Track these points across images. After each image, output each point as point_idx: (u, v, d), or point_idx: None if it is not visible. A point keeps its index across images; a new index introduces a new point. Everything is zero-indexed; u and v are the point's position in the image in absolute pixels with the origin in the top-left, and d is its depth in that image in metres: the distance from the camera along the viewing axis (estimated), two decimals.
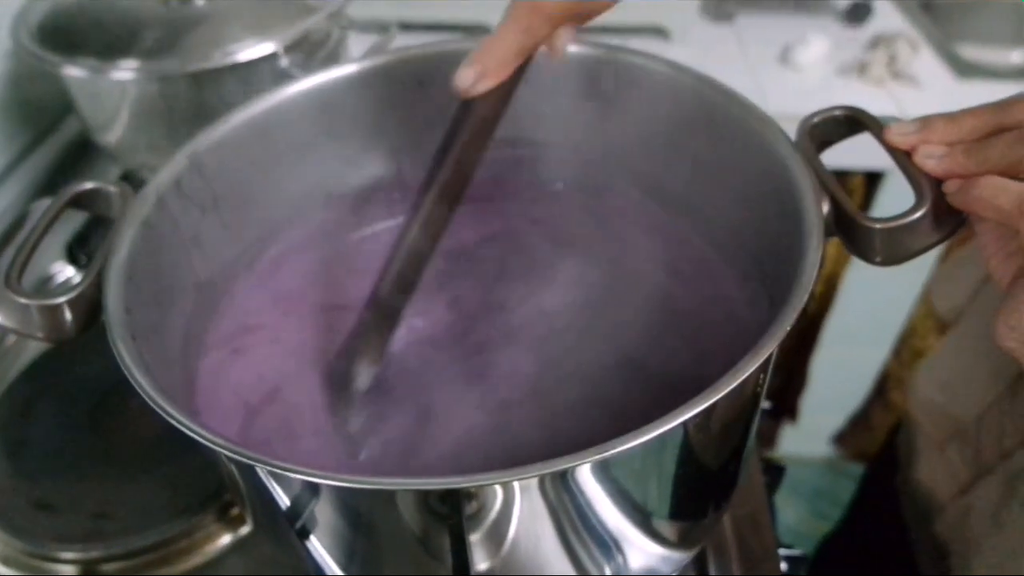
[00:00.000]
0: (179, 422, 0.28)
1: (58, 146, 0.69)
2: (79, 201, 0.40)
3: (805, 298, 0.30)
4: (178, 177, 0.41)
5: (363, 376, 0.40)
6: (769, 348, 0.28)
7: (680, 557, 0.39)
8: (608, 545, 0.35)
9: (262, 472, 0.31)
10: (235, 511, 0.47)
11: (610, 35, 1.17)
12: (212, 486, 0.47)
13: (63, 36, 0.59)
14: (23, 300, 0.35)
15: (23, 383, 0.53)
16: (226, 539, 0.46)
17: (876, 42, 1.18)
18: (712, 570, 0.44)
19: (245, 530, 0.47)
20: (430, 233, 0.39)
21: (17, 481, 0.47)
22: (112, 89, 0.59)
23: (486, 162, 0.50)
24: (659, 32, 1.18)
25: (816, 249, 0.32)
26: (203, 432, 0.27)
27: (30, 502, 0.46)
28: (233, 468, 0.36)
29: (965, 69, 1.15)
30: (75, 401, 0.52)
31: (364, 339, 0.40)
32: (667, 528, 0.36)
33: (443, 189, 0.38)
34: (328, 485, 0.29)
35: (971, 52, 1.23)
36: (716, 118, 0.40)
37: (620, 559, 0.36)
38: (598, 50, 0.45)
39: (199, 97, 0.59)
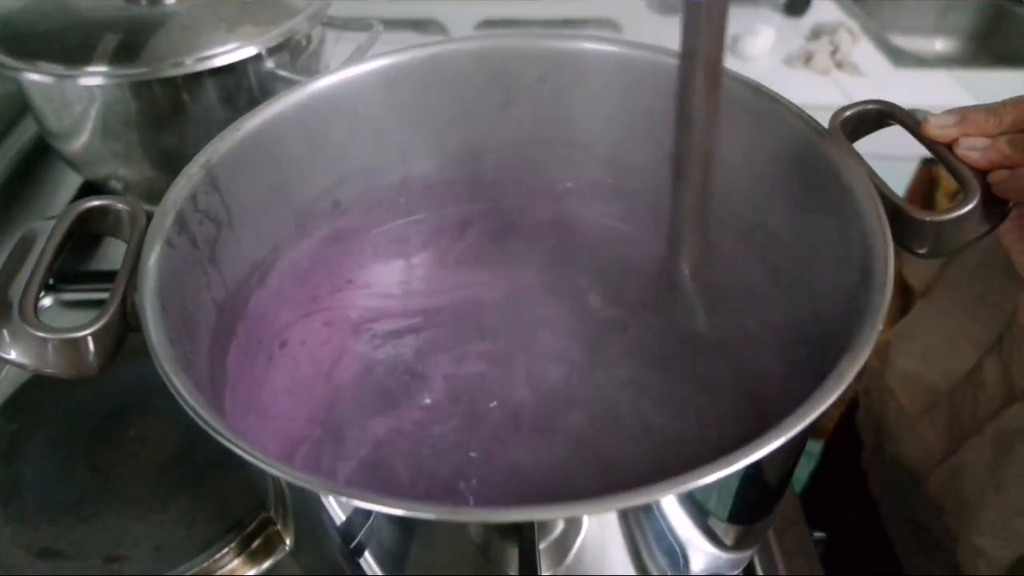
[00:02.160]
0: (275, 467, 0.26)
1: (10, 155, 0.64)
2: (84, 220, 0.37)
3: (888, 295, 0.30)
4: (194, 191, 0.38)
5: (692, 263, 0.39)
6: (865, 353, 0.28)
7: (741, 558, 0.39)
8: (674, 551, 0.35)
9: (328, 500, 0.30)
10: (257, 543, 0.44)
11: (561, 27, 1.17)
12: (231, 518, 0.44)
13: (18, 39, 0.55)
14: (41, 334, 0.31)
15: (4, 419, 0.48)
16: (250, 573, 0.43)
17: (817, 33, 1.21)
18: (760, 570, 0.44)
19: (268, 563, 0.44)
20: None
21: (13, 527, 0.43)
22: (79, 96, 0.55)
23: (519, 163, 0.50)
24: (609, 24, 1.18)
25: (885, 243, 0.32)
26: (301, 476, 0.25)
27: (31, 550, 0.42)
28: (287, 492, 0.34)
29: (900, 58, 1.20)
30: (65, 435, 0.48)
31: (686, 229, 0.38)
32: (731, 533, 0.36)
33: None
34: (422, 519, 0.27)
35: (899, 42, 1.28)
36: (757, 115, 0.40)
37: (683, 563, 0.36)
38: (641, 52, 0.44)
39: (174, 103, 0.56)
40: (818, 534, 0.50)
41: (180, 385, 0.28)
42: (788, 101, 0.39)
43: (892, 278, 0.31)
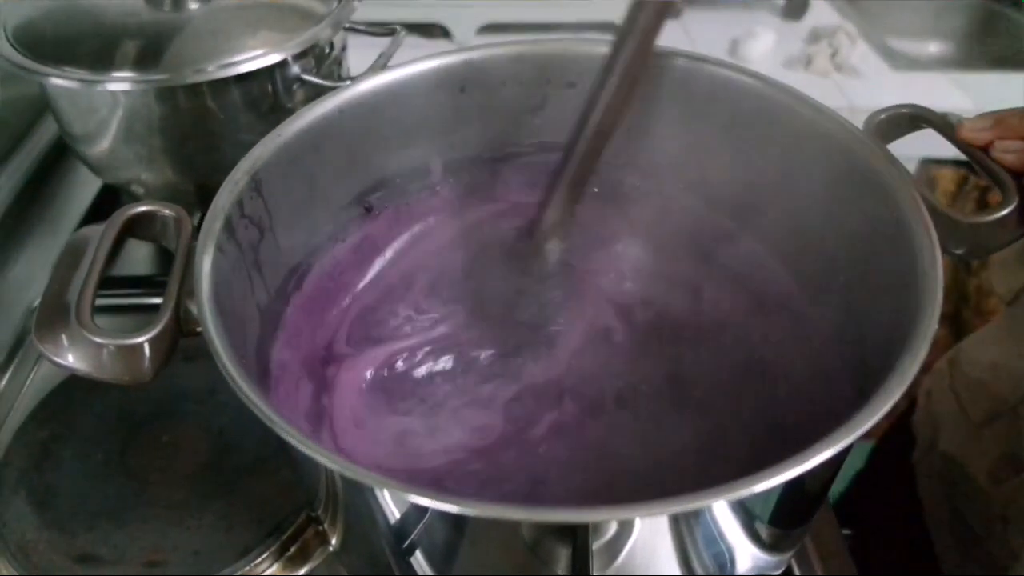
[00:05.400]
0: (371, 479, 0.26)
1: (30, 157, 0.63)
2: (130, 227, 0.37)
3: (939, 300, 0.31)
4: (240, 196, 0.38)
5: (555, 245, 0.44)
6: (921, 358, 0.29)
7: (784, 558, 0.39)
8: (722, 553, 0.35)
9: (384, 499, 0.30)
10: (295, 548, 0.44)
11: (565, 31, 1.17)
12: (268, 523, 0.44)
13: (43, 44, 0.54)
14: (98, 339, 0.31)
15: (35, 425, 0.48)
16: None
17: (816, 36, 1.22)
18: (797, 569, 0.45)
19: (307, 567, 0.44)
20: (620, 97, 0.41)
21: (51, 534, 0.43)
22: (103, 101, 0.54)
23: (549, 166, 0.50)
24: (610, 28, 1.19)
25: (933, 246, 0.33)
26: (396, 484, 0.26)
27: (70, 556, 0.42)
28: (340, 492, 0.34)
29: (897, 60, 1.21)
30: (98, 441, 0.48)
31: (557, 200, 0.43)
32: (777, 535, 0.37)
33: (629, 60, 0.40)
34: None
35: (894, 44, 1.29)
36: (795, 121, 0.41)
37: (730, 565, 0.36)
38: (674, 57, 0.44)
39: (198, 108, 0.56)
40: (844, 531, 0.50)
41: (250, 392, 0.28)
42: (826, 107, 0.40)
43: (941, 284, 0.31)
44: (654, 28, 0.39)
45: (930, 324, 0.30)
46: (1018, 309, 0.52)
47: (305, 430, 0.40)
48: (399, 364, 0.46)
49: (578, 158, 0.42)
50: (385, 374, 0.45)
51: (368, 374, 0.45)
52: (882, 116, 0.40)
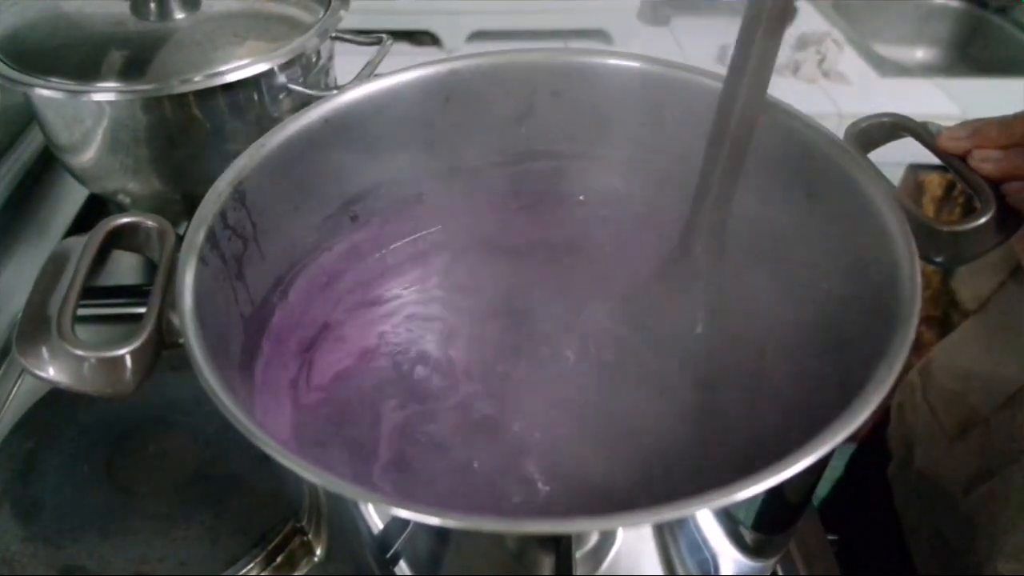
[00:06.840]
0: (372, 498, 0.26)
1: (16, 167, 0.63)
2: (113, 238, 0.37)
3: (917, 308, 0.31)
4: (223, 207, 0.38)
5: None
6: (899, 365, 0.29)
7: (768, 564, 0.39)
8: (706, 559, 0.35)
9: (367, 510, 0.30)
10: (281, 558, 0.44)
11: (555, 39, 1.18)
12: (254, 533, 0.44)
13: (28, 55, 0.54)
14: (79, 352, 0.31)
15: (20, 436, 0.48)
16: None
17: (804, 43, 1.23)
18: (780, 570, 0.45)
19: None
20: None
21: (36, 546, 0.43)
22: (89, 111, 0.54)
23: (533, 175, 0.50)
24: (600, 35, 1.20)
25: (912, 257, 0.33)
26: (388, 500, 0.26)
27: (55, 568, 0.42)
28: (324, 504, 0.34)
29: (884, 66, 1.22)
30: (84, 452, 0.47)
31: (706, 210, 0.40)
32: (761, 541, 0.37)
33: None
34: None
35: (881, 51, 1.30)
36: (774, 130, 0.41)
37: (715, 570, 0.37)
38: (660, 67, 0.45)
39: (185, 118, 0.55)
40: (830, 536, 0.51)
41: (231, 405, 0.28)
42: (807, 116, 0.40)
43: (919, 292, 0.32)
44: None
45: (908, 333, 0.30)
46: (986, 317, 0.52)
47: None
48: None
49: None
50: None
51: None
52: (863, 125, 0.41)
